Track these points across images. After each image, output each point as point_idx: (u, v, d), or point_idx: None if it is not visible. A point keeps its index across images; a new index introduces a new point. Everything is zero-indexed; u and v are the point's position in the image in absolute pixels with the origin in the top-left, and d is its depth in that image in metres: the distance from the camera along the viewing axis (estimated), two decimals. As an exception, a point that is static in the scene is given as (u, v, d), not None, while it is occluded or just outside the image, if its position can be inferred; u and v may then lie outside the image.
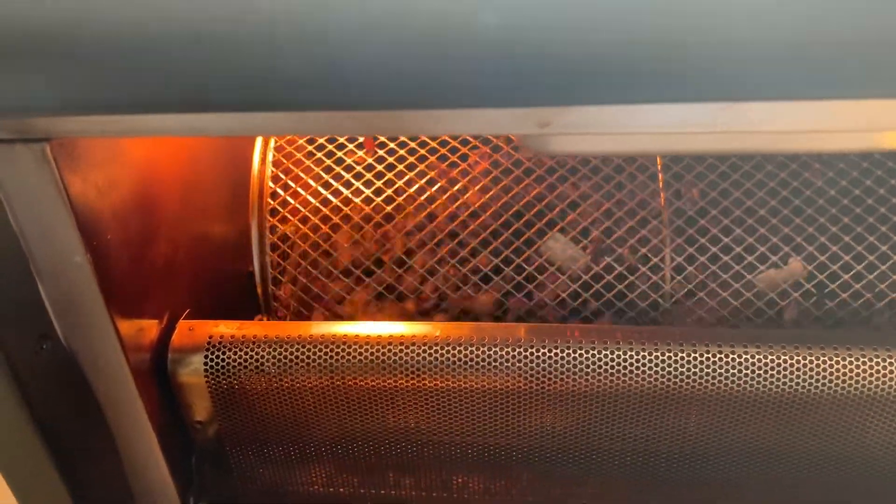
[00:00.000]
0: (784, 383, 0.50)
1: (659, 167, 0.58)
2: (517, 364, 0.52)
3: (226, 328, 0.53)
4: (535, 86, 0.33)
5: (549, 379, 0.52)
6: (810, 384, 0.50)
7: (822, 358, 0.50)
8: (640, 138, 0.40)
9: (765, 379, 0.50)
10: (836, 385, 0.50)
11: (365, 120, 0.35)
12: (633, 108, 0.36)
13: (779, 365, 0.50)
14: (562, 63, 0.33)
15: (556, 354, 0.51)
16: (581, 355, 0.51)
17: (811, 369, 0.50)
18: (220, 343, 0.53)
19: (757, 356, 0.50)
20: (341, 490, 0.62)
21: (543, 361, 0.51)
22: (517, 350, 0.52)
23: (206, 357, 0.52)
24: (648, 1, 0.32)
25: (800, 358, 0.50)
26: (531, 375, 0.51)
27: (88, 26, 0.34)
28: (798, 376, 0.50)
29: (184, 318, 0.56)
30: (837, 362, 0.49)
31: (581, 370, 0.51)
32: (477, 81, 0.33)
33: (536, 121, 0.36)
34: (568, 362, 0.51)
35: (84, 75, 0.35)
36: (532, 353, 0.52)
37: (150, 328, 0.53)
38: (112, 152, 0.47)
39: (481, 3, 0.30)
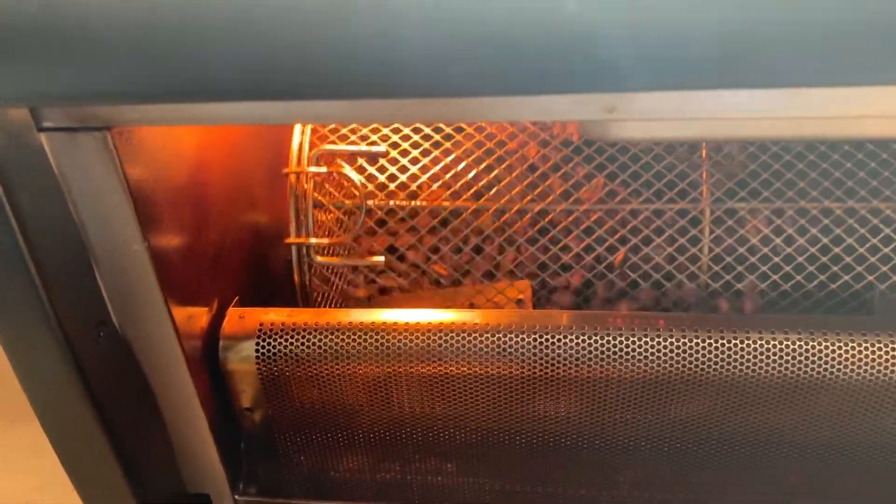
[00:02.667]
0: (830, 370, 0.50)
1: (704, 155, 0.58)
2: (562, 351, 0.52)
3: (276, 315, 0.54)
4: (603, 72, 0.33)
5: (595, 366, 0.51)
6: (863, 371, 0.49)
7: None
8: (704, 124, 0.39)
9: (820, 366, 0.50)
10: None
11: (429, 107, 0.35)
12: (699, 94, 0.36)
13: (828, 352, 0.49)
14: (631, 49, 0.33)
15: (601, 341, 0.51)
16: (625, 342, 0.51)
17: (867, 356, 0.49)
18: (270, 330, 0.53)
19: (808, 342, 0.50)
20: (385, 476, 0.63)
21: (588, 349, 0.51)
22: (562, 337, 0.52)
23: (257, 344, 0.53)
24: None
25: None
26: (576, 363, 0.51)
27: (148, 15, 0.34)
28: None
29: (233, 306, 0.56)
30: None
31: (625, 357, 0.51)
32: (545, 67, 0.33)
33: (602, 106, 0.36)
34: (613, 349, 0.51)
35: (145, 64, 0.36)
36: (576, 341, 0.51)
37: (201, 315, 0.53)
38: (167, 140, 0.47)
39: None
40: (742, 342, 0.50)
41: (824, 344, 0.50)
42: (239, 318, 0.54)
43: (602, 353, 0.51)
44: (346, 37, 0.33)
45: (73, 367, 0.47)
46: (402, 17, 0.32)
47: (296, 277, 0.65)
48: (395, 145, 0.61)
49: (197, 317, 0.53)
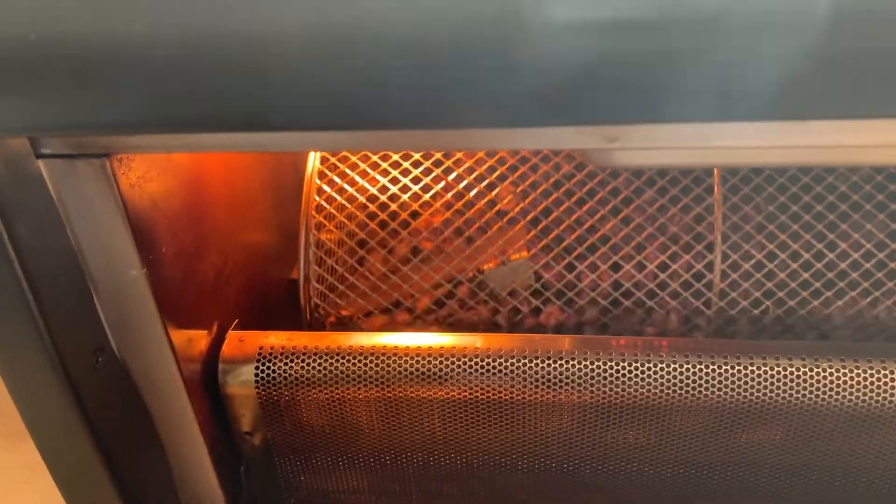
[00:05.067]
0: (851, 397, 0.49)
1: (716, 179, 0.57)
2: (562, 376, 0.51)
3: (276, 339, 0.53)
4: (604, 103, 0.33)
5: (595, 391, 0.51)
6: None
7: None
8: (707, 152, 0.39)
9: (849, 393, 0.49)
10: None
11: (432, 138, 0.35)
12: (702, 125, 0.36)
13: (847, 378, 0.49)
14: (633, 80, 0.32)
15: (602, 366, 0.51)
16: (626, 367, 0.51)
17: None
18: (270, 354, 0.53)
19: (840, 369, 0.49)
20: (385, 499, 0.62)
21: (589, 373, 0.51)
22: (564, 362, 0.51)
23: (256, 368, 0.52)
24: (717, 21, 0.31)
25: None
26: (578, 386, 0.51)
27: (148, 46, 0.34)
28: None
29: (232, 329, 0.56)
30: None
31: (628, 381, 0.51)
32: (545, 100, 0.33)
33: (605, 136, 0.36)
34: (614, 374, 0.51)
35: (146, 93, 0.35)
36: (578, 366, 0.51)
37: (200, 339, 0.53)
38: (166, 165, 0.47)
39: (565, 24, 0.29)
40: (746, 367, 0.50)
41: (828, 370, 0.49)
42: (239, 341, 0.54)
43: (604, 377, 0.51)
44: (346, 69, 0.33)
45: (71, 392, 0.47)
46: (404, 49, 0.32)
47: (301, 299, 0.64)
48: (405, 172, 0.60)
49: (196, 340, 0.52)
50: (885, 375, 0.49)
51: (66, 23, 0.33)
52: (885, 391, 0.49)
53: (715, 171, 0.57)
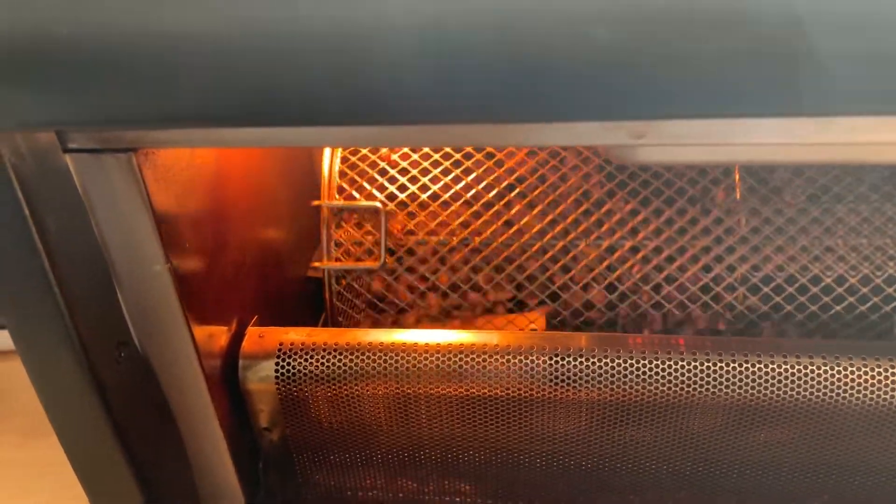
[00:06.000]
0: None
1: (737, 179, 0.57)
2: (579, 373, 0.51)
3: (296, 335, 0.54)
4: (632, 99, 0.33)
5: (612, 389, 0.51)
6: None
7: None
8: (731, 149, 0.39)
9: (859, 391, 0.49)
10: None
11: (459, 132, 0.35)
12: (727, 121, 0.36)
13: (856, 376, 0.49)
14: (661, 76, 0.32)
15: (619, 364, 0.51)
16: (643, 365, 0.51)
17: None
18: (290, 350, 0.53)
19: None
20: (402, 496, 0.62)
21: (606, 371, 0.51)
22: (581, 360, 0.51)
23: (276, 364, 0.53)
24: (744, 15, 0.31)
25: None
26: (595, 384, 0.51)
27: (174, 41, 0.34)
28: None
29: (252, 325, 0.56)
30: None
31: (645, 379, 0.51)
32: (573, 95, 0.33)
33: (630, 132, 0.36)
34: (631, 371, 0.51)
35: (172, 88, 0.36)
36: (596, 363, 0.51)
37: (221, 335, 0.53)
38: (190, 160, 0.47)
39: (594, 19, 0.29)
40: (764, 365, 0.50)
41: (848, 368, 0.49)
42: (259, 337, 0.54)
43: (621, 374, 0.51)
44: (371, 63, 0.33)
45: (94, 386, 0.48)
46: (433, 44, 0.32)
47: (325, 294, 0.64)
48: (425, 171, 0.61)
49: (217, 336, 0.52)
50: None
51: (94, 18, 0.34)
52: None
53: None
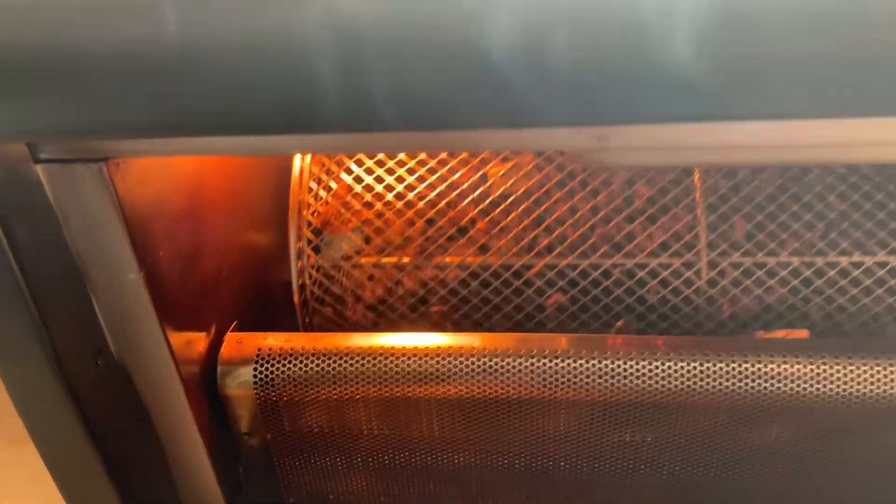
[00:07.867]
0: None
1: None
2: (559, 374, 0.51)
3: (274, 340, 0.54)
4: (594, 103, 0.33)
5: (592, 389, 0.51)
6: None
7: None
8: (697, 152, 0.39)
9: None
10: None
11: (427, 138, 0.35)
12: (690, 126, 0.36)
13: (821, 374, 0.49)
14: (622, 80, 0.33)
15: (598, 364, 0.51)
16: (623, 365, 0.51)
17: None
18: (268, 355, 0.53)
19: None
20: (384, 499, 0.63)
21: (586, 372, 0.51)
22: (560, 360, 0.52)
23: (255, 369, 0.53)
24: (707, 22, 0.31)
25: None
26: (575, 385, 0.51)
27: (144, 51, 0.34)
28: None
29: (231, 331, 0.56)
30: None
31: (622, 379, 0.51)
32: (536, 101, 0.33)
33: (594, 136, 0.36)
34: (612, 371, 0.51)
35: (143, 98, 0.36)
36: (575, 364, 0.51)
37: (199, 341, 0.53)
38: (163, 168, 0.47)
39: (551, 26, 0.30)
40: (741, 365, 0.50)
41: (822, 367, 0.50)
42: (237, 342, 0.54)
43: (601, 375, 0.51)
44: (340, 70, 0.33)
45: (71, 394, 0.48)
46: (400, 51, 0.32)
47: (295, 298, 0.65)
48: (390, 170, 0.61)
49: (195, 342, 0.53)
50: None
51: (64, 29, 0.34)
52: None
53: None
